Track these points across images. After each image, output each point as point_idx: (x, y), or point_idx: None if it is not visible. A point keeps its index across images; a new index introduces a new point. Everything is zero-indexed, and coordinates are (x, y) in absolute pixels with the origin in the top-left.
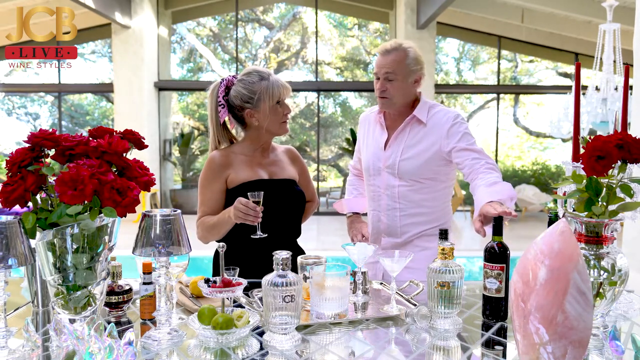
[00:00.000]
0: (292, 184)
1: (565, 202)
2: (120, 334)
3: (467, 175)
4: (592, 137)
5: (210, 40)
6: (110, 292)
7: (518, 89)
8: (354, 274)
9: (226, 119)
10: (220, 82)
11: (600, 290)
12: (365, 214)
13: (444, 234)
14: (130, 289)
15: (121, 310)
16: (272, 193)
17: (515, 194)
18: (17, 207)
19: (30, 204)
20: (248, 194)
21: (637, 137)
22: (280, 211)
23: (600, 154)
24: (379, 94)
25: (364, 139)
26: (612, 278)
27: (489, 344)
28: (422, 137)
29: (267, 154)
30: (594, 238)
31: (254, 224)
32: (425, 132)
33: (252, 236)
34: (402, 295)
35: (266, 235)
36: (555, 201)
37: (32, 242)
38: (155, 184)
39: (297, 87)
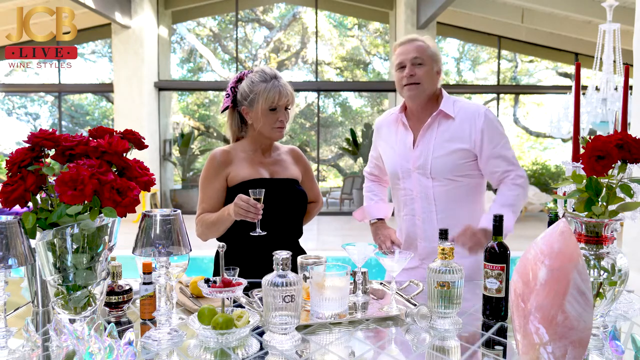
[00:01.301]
0: (293, 183)
1: (565, 202)
2: (120, 334)
3: (495, 185)
4: (592, 137)
5: (210, 40)
6: (110, 292)
7: (518, 89)
8: (354, 274)
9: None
10: (238, 74)
11: (600, 290)
12: (389, 218)
13: (443, 234)
14: (130, 289)
15: (121, 310)
16: (272, 192)
17: (511, 229)
18: (17, 207)
19: (30, 204)
20: (249, 190)
21: (637, 137)
22: (280, 211)
23: (600, 154)
24: (408, 81)
25: (384, 144)
26: (612, 278)
27: (489, 344)
28: (453, 132)
29: (268, 153)
30: (594, 238)
31: (254, 222)
32: (455, 126)
33: (251, 233)
34: (402, 295)
35: (265, 233)
36: (555, 201)
37: (32, 242)
38: (155, 184)
39: (297, 87)
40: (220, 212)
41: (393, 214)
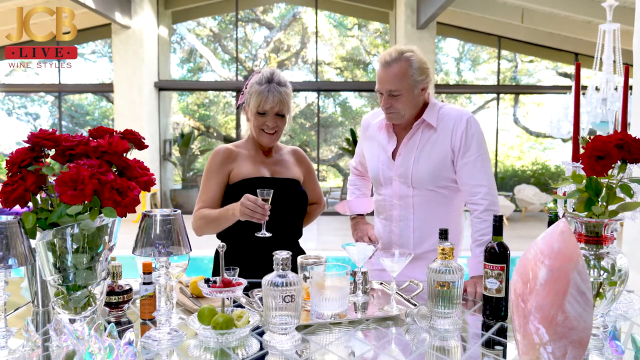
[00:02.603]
0: (294, 183)
1: (565, 202)
2: (120, 334)
3: (465, 199)
4: (592, 137)
5: (210, 40)
6: (110, 292)
7: (518, 89)
8: (354, 274)
9: None
10: (255, 71)
11: (600, 290)
12: (369, 214)
13: (443, 234)
14: (130, 289)
15: (121, 310)
16: (273, 192)
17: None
18: (17, 207)
19: (30, 204)
20: (257, 190)
21: (637, 137)
22: (280, 211)
23: (600, 154)
24: (385, 111)
25: (368, 145)
26: (612, 278)
27: (489, 344)
28: (434, 142)
29: (270, 153)
30: (594, 238)
31: (260, 222)
32: (436, 136)
33: (256, 234)
34: (402, 295)
35: (271, 235)
36: (555, 201)
37: (32, 242)
38: (155, 184)
39: (297, 87)
40: (224, 210)
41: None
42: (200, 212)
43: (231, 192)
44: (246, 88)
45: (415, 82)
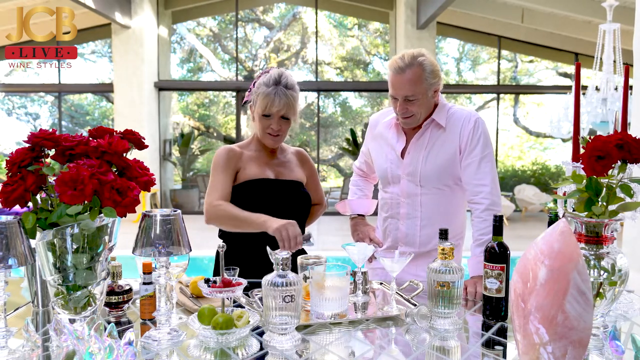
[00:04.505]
0: (298, 185)
1: (565, 202)
2: (120, 334)
3: (467, 198)
4: (592, 137)
5: (210, 40)
6: (110, 292)
7: (518, 89)
8: (354, 274)
9: None
10: (265, 69)
11: (600, 290)
12: (370, 215)
13: (443, 234)
14: (130, 289)
15: (121, 310)
16: (277, 193)
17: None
18: (17, 207)
19: (30, 204)
20: (305, 246)
21: (637, 137)
22: (284, 212)
23: (600, 154)
24: (402, 116)
25: (376, 144)
26: (612, 278)
27: (489, 344)
28: (442, 141)
29: (275, 154)
30: (594, 238)
31: (277, 249)
32: (445, 136)
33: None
34: (402, 295)
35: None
36: (555, 201)
37: (32, 242)
38: (155, 184)
39: None
40: (254, 216)
41: (376, 212)
42: (219, 205)
43: (235, 192)
44: (253, 86)
45: (429, 86)
